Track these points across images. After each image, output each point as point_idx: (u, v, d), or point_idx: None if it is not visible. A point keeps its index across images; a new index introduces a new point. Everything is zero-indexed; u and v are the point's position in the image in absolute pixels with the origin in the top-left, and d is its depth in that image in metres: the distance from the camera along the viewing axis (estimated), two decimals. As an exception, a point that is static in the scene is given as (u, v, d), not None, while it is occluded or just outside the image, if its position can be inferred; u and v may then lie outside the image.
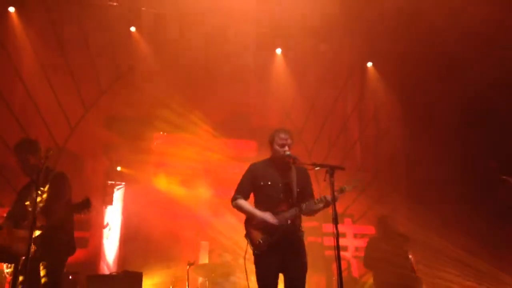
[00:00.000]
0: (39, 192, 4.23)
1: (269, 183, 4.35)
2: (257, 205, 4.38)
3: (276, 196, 4.31)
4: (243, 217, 4.51)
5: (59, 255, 4.36)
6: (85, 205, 4.19)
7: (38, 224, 4.08)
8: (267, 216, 4.18)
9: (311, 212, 4.35)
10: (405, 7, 8.49)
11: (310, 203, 4.28)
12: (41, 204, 4.26)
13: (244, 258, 4.24)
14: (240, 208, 4.39)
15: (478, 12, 8.00)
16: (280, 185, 4.36)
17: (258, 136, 9.42)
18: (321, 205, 4.27)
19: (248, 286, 4.44)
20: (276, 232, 4.15)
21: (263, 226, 4.19)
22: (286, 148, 4.35)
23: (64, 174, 4.57)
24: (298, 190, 4.38)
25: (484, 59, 9.11)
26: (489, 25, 8.39)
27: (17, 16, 8.87)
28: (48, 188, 4.38)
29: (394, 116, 11.11)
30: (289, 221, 4.24)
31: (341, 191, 4.29)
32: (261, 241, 4.12)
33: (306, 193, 4.49)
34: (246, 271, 4.27)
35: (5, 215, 4.58)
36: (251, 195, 4.55)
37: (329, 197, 4.15)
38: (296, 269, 4.17)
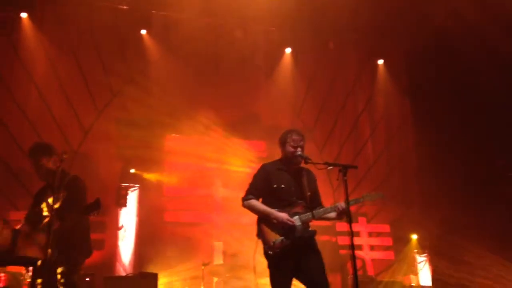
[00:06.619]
0: (56, 195, 4.26)
1: (283, 186, 4.27)
2: (269, 207, 4.32)
3: (289, 199, 4.26)
4: (256, 217, 4.46)
5: (75, 258, 4.39)
6: (95, 206, 4.12)
7: (53, 227, 4.12)
8: (284, 217, 4.10)
9: (322, 219, 4.31)
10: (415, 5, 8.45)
11: (324, 210, 4.23)
12: (56, 207, 4.28)
13: (254, 258, 4.19)
14: (253, 208, 4.26)
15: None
16: (293, 188, 4.30)
17: (269, 137, 9.42)
18: (333, 215, 4.22)
19: (257, 285, 4.39)
20: (292, 233, 4.08)
21: (280, 227, 4.11)
22: (299, 149, 4.32)
23: (79, 178, 4.58)
24: (309, 193, 4.36)
25: (494, 60, 9.01)
26: (496, 24, 8.31)
27: (29, 22, 8.99)
28: (64, 192, 4.39)
29: (404, 113, 11.04)
30: (308, 225, 4.20)
31: (359, 200, 4.27)
32: (275, 242, 4.08)
33: (316, 197, 4.46)
34: (254, 270, 4.22)
35: (22, 219, 4.62)
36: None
37: (341, 206, 4.11)
38: (317, 268, 4.06)
